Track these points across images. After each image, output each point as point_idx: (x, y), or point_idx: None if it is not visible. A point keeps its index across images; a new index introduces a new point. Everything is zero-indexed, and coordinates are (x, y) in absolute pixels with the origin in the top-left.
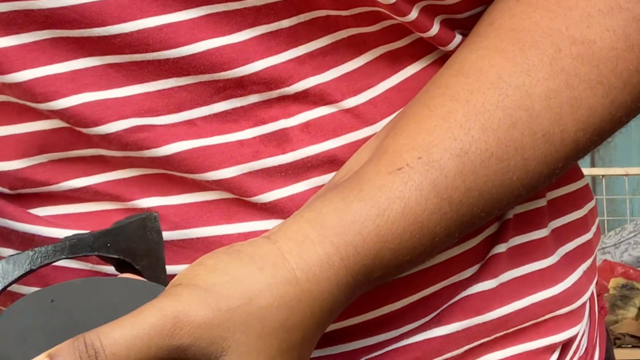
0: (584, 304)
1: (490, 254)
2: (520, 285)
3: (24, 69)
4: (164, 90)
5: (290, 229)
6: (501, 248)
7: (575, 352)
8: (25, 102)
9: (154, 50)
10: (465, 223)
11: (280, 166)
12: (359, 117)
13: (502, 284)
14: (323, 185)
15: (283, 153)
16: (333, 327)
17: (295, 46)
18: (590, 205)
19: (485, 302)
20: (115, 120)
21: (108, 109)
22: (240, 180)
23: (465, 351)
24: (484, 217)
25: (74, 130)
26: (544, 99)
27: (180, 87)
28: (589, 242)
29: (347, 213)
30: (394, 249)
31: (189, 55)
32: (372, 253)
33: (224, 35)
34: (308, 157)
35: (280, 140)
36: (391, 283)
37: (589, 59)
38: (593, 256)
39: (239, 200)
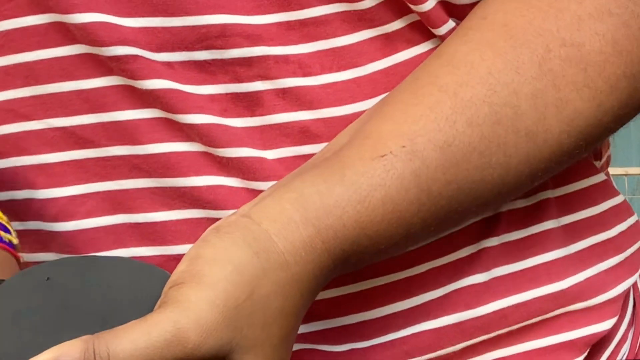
0: (612, 301)
1: (480, 247)
2: (519, 280)
3: None
4: (148, 27)
5: (273, 209)
6: (492, 242)
7: (615, 354)
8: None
9: None
10: (442, 217)
11: (247, 128)
12: (339, 94)
13: (495, 278)
14: (294, 157)
15: (251, 116)
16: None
17: (287, 10)
18: (611, 202)
19: (476, 296)
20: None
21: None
22: (210, 129)
23: (463, 349)
24: (462, 212)
25: (57, 61)
26: (530, 98)
27: (164, 27)
28: (610, 240)
29: (329, 197)
30: (371, 236)
31: None
32: (350, 239)
33: None
34: (277, 124)
35: (251, 102)
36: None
37: (576, 62)
38: (620, 256)
39: (208, 154)
